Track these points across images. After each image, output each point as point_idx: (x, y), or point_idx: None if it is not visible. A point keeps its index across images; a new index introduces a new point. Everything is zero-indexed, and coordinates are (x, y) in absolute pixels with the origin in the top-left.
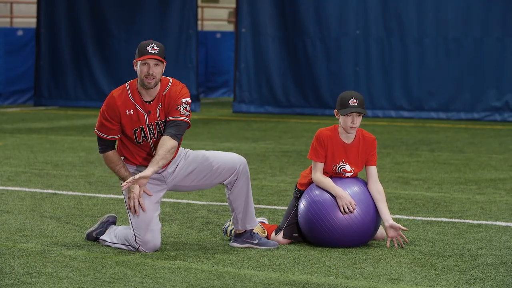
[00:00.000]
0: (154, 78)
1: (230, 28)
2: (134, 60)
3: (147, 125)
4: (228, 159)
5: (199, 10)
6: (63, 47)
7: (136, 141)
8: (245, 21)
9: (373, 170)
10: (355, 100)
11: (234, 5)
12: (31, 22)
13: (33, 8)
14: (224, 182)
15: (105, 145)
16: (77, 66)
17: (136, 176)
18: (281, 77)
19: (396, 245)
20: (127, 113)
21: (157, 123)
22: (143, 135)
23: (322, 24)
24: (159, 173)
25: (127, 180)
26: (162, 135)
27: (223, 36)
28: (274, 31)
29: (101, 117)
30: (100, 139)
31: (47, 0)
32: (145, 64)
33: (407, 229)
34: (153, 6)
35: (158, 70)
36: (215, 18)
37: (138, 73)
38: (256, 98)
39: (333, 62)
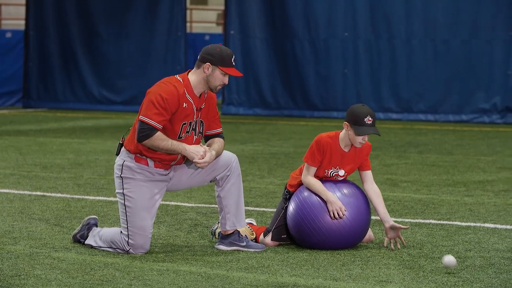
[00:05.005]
0: None
1: (219, 30)
2: (211, 64)
3: (195, 121)
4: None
5: (188, 12)
6: (52, 49)
7: (179, 135)
8: (234, 23)
9: (368, 174)
10: (370, 119)
11: (222, 7)
12: (20, 24)
13: (21, 10)
14: (217, 177)
15: (150, 130)
16: (66, 68)
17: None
18: (269, 79)
19: (392, 246)
20: (184, 106)
21: (199, 121)
22: (187, 130)
23: (311, 26)
24: (166, 174)
25: (201, 152)
26: (195, 133)
27: (212, 38)
28: (262, 33)
29: (158, 105)
30: (145, 127)
31: (35, 2)
32: (226, 75)
33: (407, 226)
34: (142, 8)
35: None
36: (204, 20)
37: (213, 78)
38: (244, 100)
39: (321, 64)
